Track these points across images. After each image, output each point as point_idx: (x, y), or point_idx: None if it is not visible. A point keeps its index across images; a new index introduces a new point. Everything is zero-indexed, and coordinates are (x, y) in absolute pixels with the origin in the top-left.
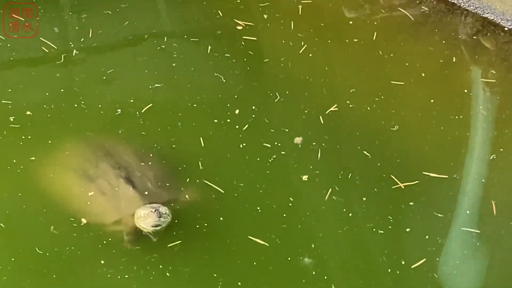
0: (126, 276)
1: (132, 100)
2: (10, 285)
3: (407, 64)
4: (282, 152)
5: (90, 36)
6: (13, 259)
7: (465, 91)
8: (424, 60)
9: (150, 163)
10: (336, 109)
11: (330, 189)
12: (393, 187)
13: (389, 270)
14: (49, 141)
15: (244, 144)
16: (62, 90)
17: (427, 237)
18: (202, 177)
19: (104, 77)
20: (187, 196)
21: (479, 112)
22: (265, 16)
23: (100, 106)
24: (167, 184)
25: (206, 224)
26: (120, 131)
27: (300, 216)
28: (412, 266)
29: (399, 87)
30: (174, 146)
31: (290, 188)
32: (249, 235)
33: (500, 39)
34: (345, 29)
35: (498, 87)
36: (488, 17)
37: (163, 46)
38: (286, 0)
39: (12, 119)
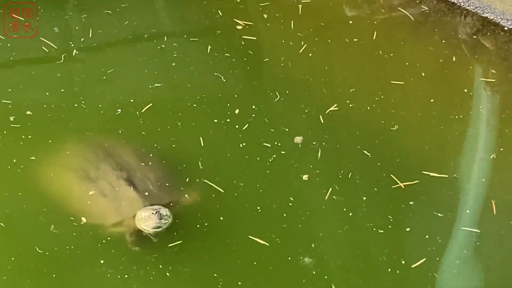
0: (126, 276)
1: (132, 100)
2: (10, 285)
3: (407, 63)
4: (282, 152)
5: (90, 36)
6: (13, 259)
7: (465, 90)
8: (424, 60)
9: (150, 163)
10: (336, 108)
11: (330, 189)
12: (393, 186)
13: (389, 270)
14: (50, 141)
15: (244, 144)
16: (62, 90)
17: (427, 236)
18: (202, 177)
19: (104, 77)
20: (187, 196)
21: (479, 111)
22: (265, 16)
23: (100, 106)
24: (168, 185)
25: (206, 224)
26: (120, 131)
27: (300, 216)
28: (412, 266)
29: (399, 86)
30: (174, 146)
31: (290, 188)
32: (249, 234)
33: (500, 39)
34: (345, 28)
35: (498, 87)
36: (488, 17)
37: (163, 46)
38: (286, 0)
39: (12, 119)
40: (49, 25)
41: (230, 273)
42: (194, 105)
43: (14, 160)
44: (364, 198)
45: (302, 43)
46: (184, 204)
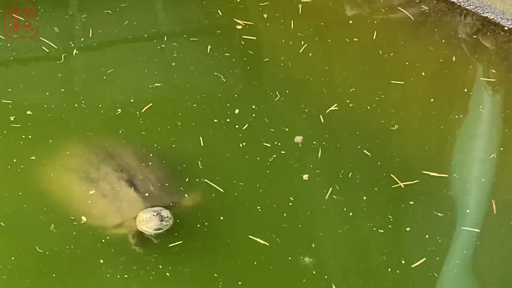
0: (126, 276)
1: (132, 100)
2: (10, 284)
3: (407, 63)
4: (282, 152)
5: (90, 35)
6: (13, 258)
7: (465, 90)
8: (424, 60)
9: (150, 163)
10: (336, 108)
11: (331, 188)
12: (393, 186)
13: (389, 270)
14: (50, 141)
15: (244, 144)
16: (62, 90)
17: (427, 236)
18: (202, 177)
19: (105, 77)
20: (187, 196)
21: (479, 111)
22: (265, 16)
23: (100, 105)
24: (168, 186)
25: (206, 224)
26: (120, 131)
27: (300, 216)
28: (412, 266)
29: (399, 86)
30: (174, 145)
31: (291, 188)
32: (249, 234)
33: (500, 38)
34: (345, 28)
35: (498, 86)
36: (488, 16)
37: (163, 46)
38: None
39: (12, 119)
40: (49, 25)
41: (230, 273)
42: (194, 105)
43: (14, 160)
44: (364, 198)
45: (302, 42)
46: (185, 205)
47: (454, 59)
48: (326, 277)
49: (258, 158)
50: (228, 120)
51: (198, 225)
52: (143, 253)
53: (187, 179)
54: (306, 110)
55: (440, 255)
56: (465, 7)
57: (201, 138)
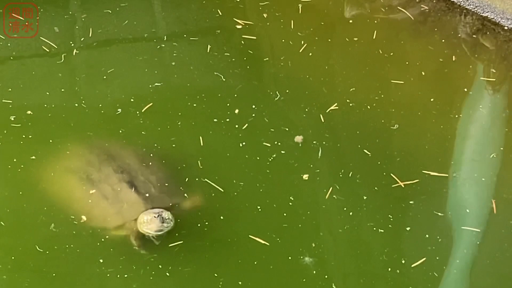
0: (126, 276)
1: (132, 100)
2: (10, 284)
3: (407, 63)
4: (282, 151)
5: (90, 35)
6: (13, 258)
7: (465, 90)
8: (424, 59)
9: (150, 163)
10: (337, 107)
11: (331, 188)
12: (393, 185)
13: (389, 269)
14: (50, 141)
15: (244, 143)
16: (62, 90)
17: (427, 236)
18: (202, 176)
19: (105, 77)
20: (187, 196)
21: (479, 110)
22: (265, 15)
23: (100, 105)
24: (169, 187)
25: (206, 223)
26: (120, 131)
27: (300, 215)
28: (412, 265)
29: (399, 86)
30: (174, 145)
31: (291, 187)
32: (249, 234)
33: (500, 38)
34: (345, 28)
35: (498, 86)
36: (488, 16)
37: (163, 45)
38: None
39: (12, 119)
40: (49, 25)
41: (230, 273)
42: (194, 104)
43: (15, 160)
44: (365, 198)
45: (302, 42)
46: (185, 205)
47: (454, 59)
48: (326, 276)
49: (258, 158)
50: (228, 119)
51: (199, 225)
52: (143, 253)
53: (187, 179)
54: (306, 110)
55: (440, 254)
56: (465, 7)
57: (201, 137)
